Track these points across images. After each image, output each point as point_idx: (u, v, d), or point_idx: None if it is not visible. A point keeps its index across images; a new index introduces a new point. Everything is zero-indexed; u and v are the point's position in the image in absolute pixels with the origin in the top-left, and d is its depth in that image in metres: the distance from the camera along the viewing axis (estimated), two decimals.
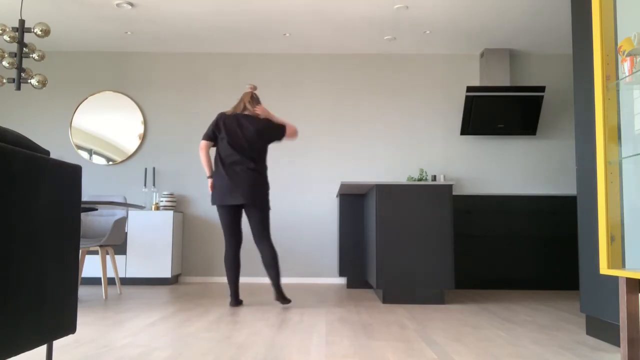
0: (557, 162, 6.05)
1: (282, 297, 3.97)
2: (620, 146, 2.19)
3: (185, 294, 4.72)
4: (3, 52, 4.41)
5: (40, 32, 4.32)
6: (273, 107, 6.11)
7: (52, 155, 6.10)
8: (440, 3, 4.83)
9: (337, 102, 6.13)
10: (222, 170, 3.96)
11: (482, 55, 6.05)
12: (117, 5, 4.88)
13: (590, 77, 2.92)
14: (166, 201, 5.75)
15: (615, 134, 2.17)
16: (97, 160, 6.04)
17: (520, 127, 5.85)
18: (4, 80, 4.51)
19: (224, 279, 5.94)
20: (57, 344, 2.59)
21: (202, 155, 4.05)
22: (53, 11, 5.05)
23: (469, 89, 5.69)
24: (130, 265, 5.45)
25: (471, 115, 5.79)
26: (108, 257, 5.42)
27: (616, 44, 2.21)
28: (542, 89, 5.70)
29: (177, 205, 6.03)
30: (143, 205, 5.72)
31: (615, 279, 2.63)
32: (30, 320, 1.69)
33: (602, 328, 2.81)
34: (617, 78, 2.20)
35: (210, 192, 4.03)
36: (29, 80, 4.45)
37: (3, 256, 1.54)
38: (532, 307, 4.11)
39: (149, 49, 6.12)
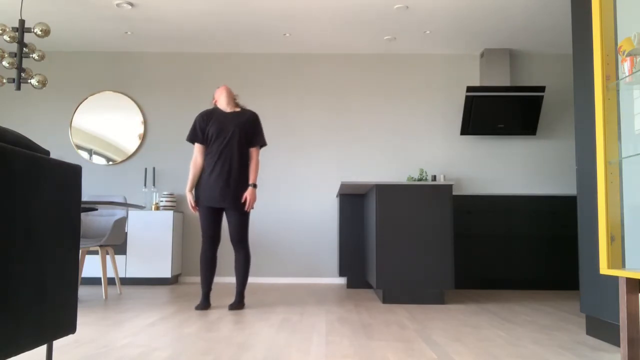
0: (557, 162, 6.04)
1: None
2: (620, 146, 2.19)
3: (185, 294, 4.72)
4: (3, 52, 4.41)
5: (40, 32, 4.31)
6: (273, 107, 6.12)
7: (52, 155, 6.10)
8: (440, 3, 4.83)
9: (336, 102, 6.12)
10: None
11: (482, 55, 6.05)
12: (117, 5, 4.88)
13: (590, 77, 2.92)
14: (166, 201, 5.75)
15: (615, 134, 2.17)
16: (97, 160, 6.04)
17: (520, 127, 5.85)
18: (4, 80, 4.51)
19: (224, 279, 5.95)
20: (57, 344, 2.59)
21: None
22: (53, 11, 5.05)
23: (469, 89, 5.68)
24: (130, 265, 5.45)
25: (471, 115, 5.79)
26: (108, 257, 5.42)
27: (616, 44, 2.21)
28: (542, 89, 5.70)
29: (177, 205, 6.03)
30: (143, 205, 5.72)
31: (615, 279, 2.63)
32: (31, 320, 1.69)
33: (602, 328, 2.81)
34: (617, 78, 2.20)
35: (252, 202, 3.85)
36: (29, 80, 4.45)
37: (3, 256, 1.54)
38: (532, 307, 4.11)
39: (149, 49, 6.12)
